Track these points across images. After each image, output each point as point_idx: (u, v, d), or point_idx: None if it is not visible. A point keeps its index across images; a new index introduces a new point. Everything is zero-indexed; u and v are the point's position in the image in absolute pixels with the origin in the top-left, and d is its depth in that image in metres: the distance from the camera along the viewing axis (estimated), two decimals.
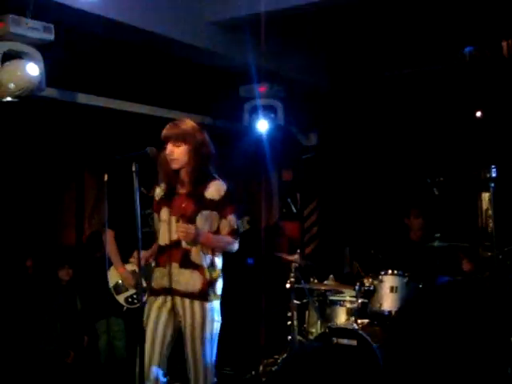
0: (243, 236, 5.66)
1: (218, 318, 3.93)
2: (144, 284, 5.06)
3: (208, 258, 3.90)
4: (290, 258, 5.38)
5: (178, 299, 3.86)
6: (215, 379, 3.91)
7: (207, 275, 3.87)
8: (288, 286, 5.36)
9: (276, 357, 5.73)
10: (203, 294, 3.84)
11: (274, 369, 5.37)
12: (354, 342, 4.91)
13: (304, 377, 1.52)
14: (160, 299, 3.91)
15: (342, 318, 5.41)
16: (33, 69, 4.42)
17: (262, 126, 6.69)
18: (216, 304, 3.93)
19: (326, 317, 5.48)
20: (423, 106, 6.90)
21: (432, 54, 6.54)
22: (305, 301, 5.57)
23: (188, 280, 3.83)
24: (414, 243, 5.82)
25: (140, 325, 3.76)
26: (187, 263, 3.85)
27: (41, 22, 4.34)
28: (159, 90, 6.47)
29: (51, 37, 4.43)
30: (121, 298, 5.28)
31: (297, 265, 5.38)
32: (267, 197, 7.53)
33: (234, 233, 3.95)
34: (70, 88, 5.78)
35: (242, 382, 5.88)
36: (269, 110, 6.71)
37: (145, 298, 3.96)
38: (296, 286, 5.34)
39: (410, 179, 6.80)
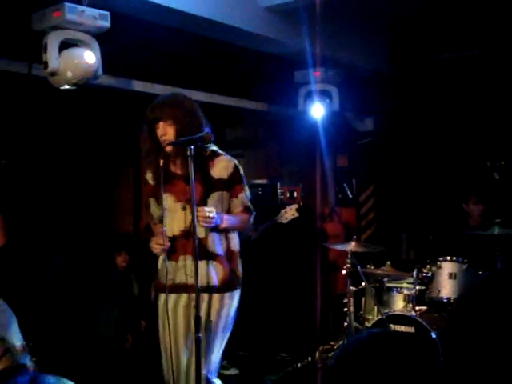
0: (295, 224, 5.65)
1: (236, 303, 3.69)
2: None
3: (224, 243, 3.66)
4: (343, 247, 5.34)
5: (193, 295, 3.47)
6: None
7: (226, 264, 3.63)
8: (344, 272, 5.33)
9: (332, 343, 5.71)
10: (224, 286, 3.61)
11: (330, 355, 5.37)
12: (412, 329, 4.86)
13: (361, 364, 1.49)
14: (173, 297, 3.63)
15: (399, 304, 5.36)
16: (89, 57, 4.45)
17: (317, 111, 6.62)
18: (237, 291, 3.71)
19: (383, 303, 5.43)
20: (483, 88, 6.73)
21: (493, 36, 6.37)
22: (361, 287, 5.52)
23: (204, 272, 3.53)
24: (472, 229, 5.70)
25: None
26: (202, 254, 3.52)
27: (97, 9, 4.36)
28: (215, 77, 6.46)
29: (107, 24, 4.43)
30: None
31: (353, 251, 5.35)
32: (322, 183, 7.47)
33: (247, 210, 3.72)
34: (126, 75, 5.82)
35: (298, 368, 5.88)
36: (324, 95, 6.63)
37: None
38: (353, 271, 5.32)
39: (469, 164, 6.65)
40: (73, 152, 6.79)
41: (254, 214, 3.79)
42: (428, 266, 5.23)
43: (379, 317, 5.17)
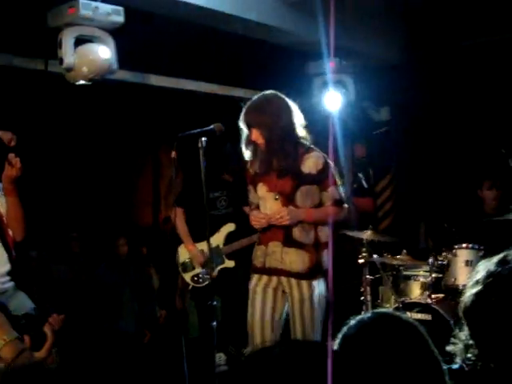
0: None
1: (324, 293, 3.91)
2: (213, 265, 5.18)
3: (311, 234, 3.87)
4: (359, 235, 5.35)
5: (283, 278, 3.86)
6: None
7: (312, 253, 3.85)
8: (361, 261, 5.35)
9: None
10: (310, 273, 3.83)
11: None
12: (429, 317, 4.87)
13: (363, 344, 1.52)
14: (264, 279, 3.92)
15: (415, 292, 5.37)
16: (104, 52, 4.52)
17: (333, 101, 6.62)
18: (323, 280, 3.92)
19: (400, 292, 5.44)
20: (498, 75, 6.69)
21: (508, 22, 6.32)
22: (378, 276, 5.54)
23: (293, 259, 3.82)
24: (487, 216, 5.69)
25: (209, 303, 3.79)
26: (290, 242, 3.83)
27: (110, 5, 4.42)
28: (228, 69, 6.50)
29: (121, 19, 4.50)
30: (187, 277, 5.36)
31: (369, 240, 5.36)
32: (339, 173, 7.47)
33: (337, 203, 3.89)
34: (140, 69, 5.89)
35: None
36: (339, 85, 6.63)
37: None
38: (369, 260, 5.33)
39: (484, 150, 6.63)
40: (91, 146, 6.87)
41: (346, 206, 3.97)
42: (444, 254, 5.22)
43: (396, 305, 5.18)
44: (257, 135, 3.82)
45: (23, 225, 3.96)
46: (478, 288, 1.67)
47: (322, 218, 3.88)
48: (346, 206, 3.97)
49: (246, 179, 4.13)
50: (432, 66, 7.14)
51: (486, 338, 1.65)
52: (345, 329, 1.68)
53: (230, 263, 5.34)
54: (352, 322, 1.69)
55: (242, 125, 3.90)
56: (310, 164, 3.84)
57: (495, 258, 1.71)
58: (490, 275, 1.67)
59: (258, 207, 4.03)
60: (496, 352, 1.62)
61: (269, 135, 3.79)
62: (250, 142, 3.91)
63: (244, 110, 3.90)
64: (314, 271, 3.85)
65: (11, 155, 3.74)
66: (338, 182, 3.95)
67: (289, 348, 1.40)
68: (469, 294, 1.70)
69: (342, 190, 3.95)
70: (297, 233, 3.83)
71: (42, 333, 2.37)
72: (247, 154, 3.99)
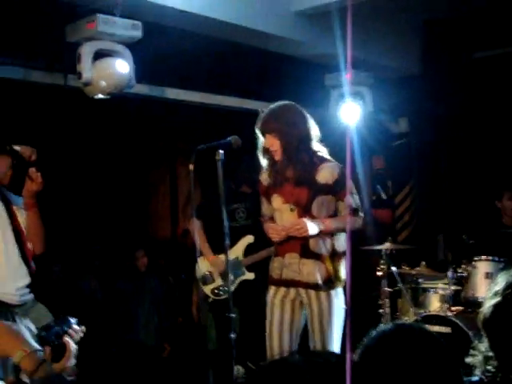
0: None
1: (343, 304, 3.92)
2: (231, 277, 5.18)
3: (328, 244, 3.86)
4: (378, 247, 5.33)
5: (301, 290, 3.86)
6: None
7: (329, 263, 3.85)
8: (379, 273, 5.33)
9: None
10: (328, 284, 3.83)
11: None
12: (449, 330, 4.84)
13: (384, 356, 1.50)
14: (282, 290, 3.93)
15: (434, 305, 5.33)
16: (122, 66, 4.55)
17: (351, 113, 6.61)
18: (341, 290, 3.92)
19: (419, 304, 5.41)
20: None
21: None
22: (397, 288, 5.51)
23: (310, 271, 3.82)
24: (507, 227, 5.65)
25: (227, 315, 3.79)
26: (307, 253, 3.83)
27: (129, 19, 4.45)
28: (247, 82, 6.53)
29: (139, 34, 4.53)
30: (207, 289, 5.36)
31: (388, 252, 5.34)
32: (356, 185, 7.46)
33: (354, 212, 3.89)
34: (158, 83, 5.92)
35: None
36: (357, 96, 6.62)
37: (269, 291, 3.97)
38: (387, 272, 5.31)
39: (503, 161, 6.59)
40: (110, 160, 6.92)
41: (362, 215, 3.97)
42: (463, 266, 5.19)
43: (415, 317, 5.15)
44: (272, 141, 3.83)
45: (43, 238, 4.01)
46: (497, 299, 1.66)
47: (339, 227, 3.87)
48: (362, 214, 3.96)
49: (259, 191, 4.14)
50: (449, 77, 7.11)
51: (506, 350, 1.63)
52: (366, 340, 1.67)
53: (249, 275, 5.34)
54: (373, 333, 1.68)
55: (257, 132, 3.91)
56: (326, 174, 3.84)
57: None
58: (509, 286, 1.66)
59: (271, 219, 4.04)
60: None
61: (285, 142, 3.80)
62: (265, 151, 3.91)
63: (262, 117, 3.93)
64: (331, 282, 3.85)
65: (32, 170, 3.80)
66: (354, 191, 3.95)
67: (308, 357, 1.40)
68: (488, 305, 1.69)
69: (357, 199, 3.93)
70: (313, 244, 3.83)
71: (62, 344, 2.38)
72: (263, 162, 4.00)
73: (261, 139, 3.93)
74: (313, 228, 3.75)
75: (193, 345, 6.27)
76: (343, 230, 3.91)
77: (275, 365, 1.40)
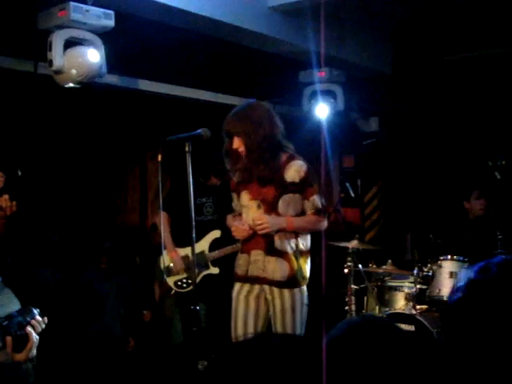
0: None
1: (306, 301, 3.95)
2: (196, 271, 5.17)
3: (292, 242, 3.88)
4: (345, 244, 5.36)
5: (266, 287, 3.89)
6: None
7: (293, 261, 3.87)
8: (346, 271, 5.37)
9: None
10: (291, 282, 3.85)
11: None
12: (412, 328, 4.88)
13: (350, 346, 1.50)
14: (246, 287, 3.95)
15: (400, 303, 5.38)
16: (94, 55, 4.51)
17: (322, 111, 6.64)
18: (304, 288, 3.95)
19: (385, 302, 5.46)
20: (485, 88, 6.75)
21: (493, 37, 6.38)
22: (363, 286, 5.55)
23: (274, 268, 3.84)
24: (471, 221, 5.71)
25: (192, 308, 3.78)
26: (272, 250, 3.86)
27: (101, 8, 4.41)
28: (219, 76, 6.52)
29: (112, 23, 4.48)
30: (171, 281, 5.35)
31: (355, 250, 5.38)
32: (326, 183, 7.50)
33: (318, 212, 3.90)
34: (130, 74, 5.88)
35: None
36: (329, 95, 6.65)
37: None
38: (354, 270, 5.35)
39: (471, 163, 6.68)
40: (79, 151, 6.86)
41: (327, 215, 4.02)
42: (429, 265, 5.24)
43: (380, 315, 5.19)
44: (238, 143, 3.84)
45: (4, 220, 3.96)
46: (458, 295, 1.67)
47: (303, 226, 3.91)
48: (325, 215, 3.99)
49: (230, 187, 4.16)
50: (419, 78, 7.19)
51: (463, 346, 1.64)
52: (332, 331, 1.67)
53: (214, 270, 5.34)
54: (339, 324, 1.67)
55: (223, 134, 3.90)
56: (293, 172, 3.85)
57: (476, 266, 1.71)
58: (470, 282, 1.67)
59: (240, 215, 4.05)
60: (470, 358, 1.62)
61: (250, 143, 3.80)
62: (230, 151, 3.91)
63: (228, 118, 3.92)
64: (294, 280, 3.86)
65: (5, 197, 3.70)
66: (320, 191, 3.96)
67: (281, 339, 1.39)
68: (449, 301, 1.70)
69: (322, 199, 3.95)
70: (278, 241, 3.85)
71: (24, 335, 2.36)
72: (227, 163, 4.00)
73: (226, 141, 3.92)
74: (275, 225, 3.77)
75: (158, 338, 6.24)
76: (307, 230, 3.96)
77: (238, 345, 1.39)
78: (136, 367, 5.95)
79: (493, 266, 1.69)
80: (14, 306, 3.96)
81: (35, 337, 2.40)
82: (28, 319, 2.45)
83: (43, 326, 2.51)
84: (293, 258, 3.87)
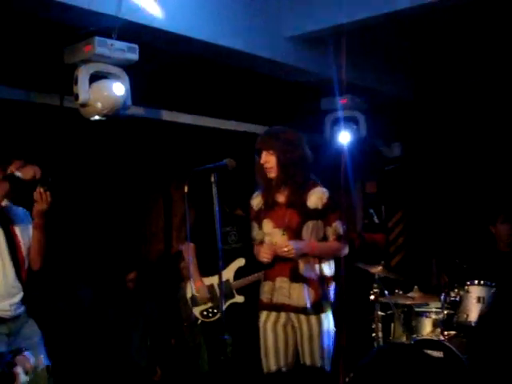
0: None
1: (332, 326, 3.95)
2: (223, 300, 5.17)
3: (317, 268, 3.90)
4: (372, 269, 5.34)
5: (292, 314, 3.89)
6: None
7: (318, 288, 3.87)
8: (372, 297, 5.33)
9: None
10: (317, 307, 3.86)
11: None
12: (441, 354, 4.83)
13: (378, 371, 1.51)
14: (273, 315, 3.95)
15: (427, 329, 5.32)
16: (119, 88, 4.60)
17: (344, 137, 6.67)
18: (330, 313, 3.94)
19: (412, 329, 5.39)
20: (507, 111, 6.74)
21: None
22: (390, 312, 5.51)
23: (300, 295, 3.85)
24: (500, 252, 5.66)
25: (220, 338, 3.79)
26: (297, 277, 3.86)
27: (125, 42, 4.50)
28: (241, 106, 6.57)
29: (136, 57, 4.59)
30: (197, 311, 5.34)
31: (381, 276, 5.35)
32: (349, 209, 7.50)
33: (340, 238, 3.92)
34: (154, 106, 5.96)
35: None
36: (351, 121, 6.68)
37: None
38: (380, 298, 5.31)
39: (496, 187, 6.64)
40: (106, 181, 6.92)
41: (347, 243, 4.01)
42: (456, 290, 5.18)
43: (407, 342, 5.14)
44: (268, 158, 3.88)
45: (43, 256, 4.07)
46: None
47: (324, 251, 3.93)
48: (346, 242, 4.00)
49: (250, 216, 4.17)
50: (441, 103, 7.19)
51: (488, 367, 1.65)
52: (362, 359, 1.69)
53: (239, 298, 5.33)
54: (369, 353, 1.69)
55: (256, 151, 3.95)
56: (316, 199, 3.88)
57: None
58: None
59: (261, 243, 4.05)
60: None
61: (282, 160, 3.85)
62: (260, 170, 3.95)
63: (261, 136, 4.01)
64: (320, 305, 3.86)
65: (39, 190, 3.83)
66: (341, 217, 3.97)
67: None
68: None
69: (343, 226, 3.97)
70: (302, 268, 3.86)
71: (11, 373, 2.39)
72: (259, 182, 4.03)
73: (257, 159, 3.96)
74: (298, 249, 3.79)
75: (185, 367, 6.24)
76: (329, 255, 3.97)
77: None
78: None
79: None
80: (36, 337, 4.02)
81: (22, 377, 2.43)
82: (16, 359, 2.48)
83: (31, 363, 2.54)
84: (317, 284, 3.88)
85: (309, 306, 3.83)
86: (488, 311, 1.49)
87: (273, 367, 3.87)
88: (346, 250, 4.01)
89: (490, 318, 1.53)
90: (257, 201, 4.09)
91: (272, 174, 3.90)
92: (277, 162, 3.86)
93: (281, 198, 3.96)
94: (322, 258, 3.92)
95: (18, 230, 4.04)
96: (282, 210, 3.93)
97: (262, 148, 3.92)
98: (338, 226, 3.91)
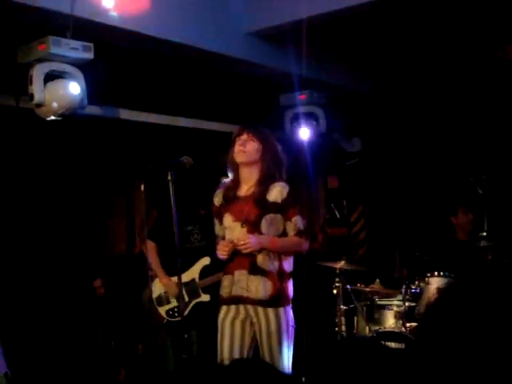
0: None
1: (292, 323, 3.93)
2: (186, 299, 5.17)
3: (276, 262, 3.88)
4: (333, 264, 5.37)
5: (250, 307, 3.87)
6: None
7: (277, 281, 3.86)
8: (334, 291, 5.37)
9: None
10: (275, 301, 3.84)
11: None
12: (403, 346, 4.89)
13: (348, 376, 1.51)
14: (232, 309, 3.93)
15: (390, 321, 5.39)
16: (74, 88, 4.55)
17: (304, 133, 6.69)
18: (289, 309, 3.93)
19: (374, 321, 5.46)
20: (464, 105, 6.83)
21: (468, 53, 6.47)
22: (352, 306, 5.55)
23: (258, 287, 3.83)
24: (460, 243, 5.75)
25: (183, 337, 3.78)
26: (255, 270, 3.85)
27: (80, 41, 4.45)
28: (199, 103, 6.54)
29: (91, 55, 4.54)
30: (162, 311, 5.33)
31: (343, 270, 5.38)
32: (311, 205, 7.52)
33: (300, 233, 3.90)
34: (111, 104, 5.90)
35: None
36: (310, 117, 6.70)
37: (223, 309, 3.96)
38: (343, 289, 5.35)
39: (453, 179, 6.73)
40: (63, 181, 6.83)
41: (308, 238, 3.97)
42: (416, 282, 5.26)
43: (370, 335, 5.19)
44: (249, 142, 3.89)
45: None
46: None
47: (285, 247, 3.92)
48: (308, 237, 3.98)
49: (212, 213, 4.15)
50: (399, 97, 7.26)
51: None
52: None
53: (205, 297, 5.33)
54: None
55: (237, 138, 3.94)
56: (276, 193, 3.89)
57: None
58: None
59: (223, 239, 4.05)
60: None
61: (266, 156, 3.89)
62: (232, 159, 3.95)
63: (246, 125, 4.02)
64: (277, 299, 3.86)
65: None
66: (302, 213, 3.96)
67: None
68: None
69: (304, 221, 3.96)
70: (261, 260, 3.85)
71: None
72: (230, 175, 4.03)
73: (232, 149, 3.96)
74: (257, 244, 3.79)
75: (150, 367, 6.20)
76: (289, 251, 3.96)
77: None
78: None
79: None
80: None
81: None
82: None
83: None
84: (276, 278, 3.87)
85: (266, 298, 3.82)
86: (435, 301, 1.50)
87: (226, 359, 3.86)
88: (306, 246, 3.99)
89: (437, 307, 1.54)
90: (218, 197, 4.08)
91: (241, 158, 3.90)
92: (261, 155, 3.89)
93: (242, 191, 3.97)
94: (282, 253, 3.91)
95: None
96: (242, 203, 3.93)
97: (245, 132, 3.92)
98: (297, 221, 3.90)
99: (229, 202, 3.98)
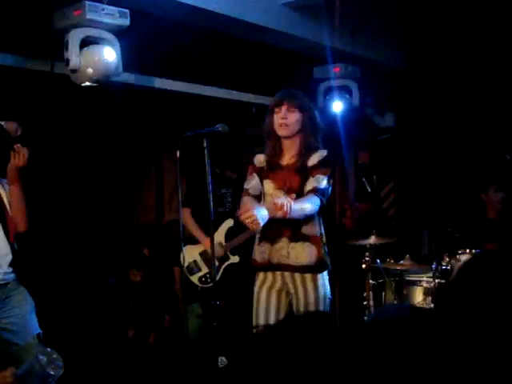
0: None
1: (329, 295, 3.93)
2: (217, 263, 5.15)
3: (317, 226, 3.86)
4: (363, 241, 5.34)
5: (287, 275, 3.85)
6: None
7: (321, 245, 3.85)
8: (364, 266, 5.35)
9: None
10: (318, 266, 3.83)
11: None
12: None
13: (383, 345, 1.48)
14: (269, 277, 3.91)
15: (418, 298, 5.37)
16: (109, 54, 4.54)
17: (337, 107, 6.63)
18: (327, 278, 3.92)
19: (403, 297, 5.44)
20: (501, 82, 6.71)
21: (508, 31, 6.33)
22: (381, 281, 5.53)
23: (302, 253, 3.80)
24: (490, 221, 5.65)
25: (215, 305, 3.78)
26: (298, 236, 3.81)
27: (116, 7, 4.43)
28: (234, 74, 6.51)
29: (127, 22, 4.52)
30: (195, 279, 5.33)
31: (372, 245, 5.36)
32: (342, 180, 7.49)
33: (317, 191, 3.75)
34: (146, 73, 5.89)
35: None
36: (344, 90, 6.63)
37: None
38: (372, 266, 5.34)
39: (488, 157, 6.63)
40: (95, 148, 6.86)
41: (323, 199, 3.79)
42: (447, 259, 5.22)
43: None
44: (289, 114, 3.81)
45: (26, 216, 4.02)
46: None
47: (300, 208, 3.65)
48: (323, 200, 3.78)
49: (249, 171, 4.05)
50: (435, 73, 7.15)
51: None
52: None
53: (234, 258, 5.31)
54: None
55: (270, 108, 3.89)
56: (314, 158, 3.86)
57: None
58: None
59: (255, 197, 3.97)
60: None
61: (307, 125, 3.84)
62: (270, 128, 3.88)
63: (292, 91, 3.94)
64: (322, 264, 3.84)
65: (18, 145, 3.81)
66: (329, 177, 3.84)
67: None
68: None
69: (326, 185, 3.82)
70: (305, 226, 3.81)
71: None
72: (268, 144, 3.97)
73: (268, 118, 3.91)
74: (265, 216, 3.55)
75: (175, 336, 6.25)
76: (309, 212, 3.75)
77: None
78: (157, 362, 5.97)
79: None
80: (29, 305, 4.01)
81: None
82: None
83: None
84: (320, 242, 3.85)
85: (308, 263, 3.79)
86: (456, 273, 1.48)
87: (261, 326, 3.86)
88: (319, 205, 3.76)
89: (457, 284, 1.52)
90: (260, 160, 4.02)
91: (283, 132, 3.85)
92: (302, 125, 3.84)
93: (284, 160, 3.93)
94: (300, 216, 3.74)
95: (1, 189, 4.00)
96: (285, 172, 3.89)
97: (285, 102, 3.84)
98: (320, 179, 3.78)
99: (271, 169, 3.94)
